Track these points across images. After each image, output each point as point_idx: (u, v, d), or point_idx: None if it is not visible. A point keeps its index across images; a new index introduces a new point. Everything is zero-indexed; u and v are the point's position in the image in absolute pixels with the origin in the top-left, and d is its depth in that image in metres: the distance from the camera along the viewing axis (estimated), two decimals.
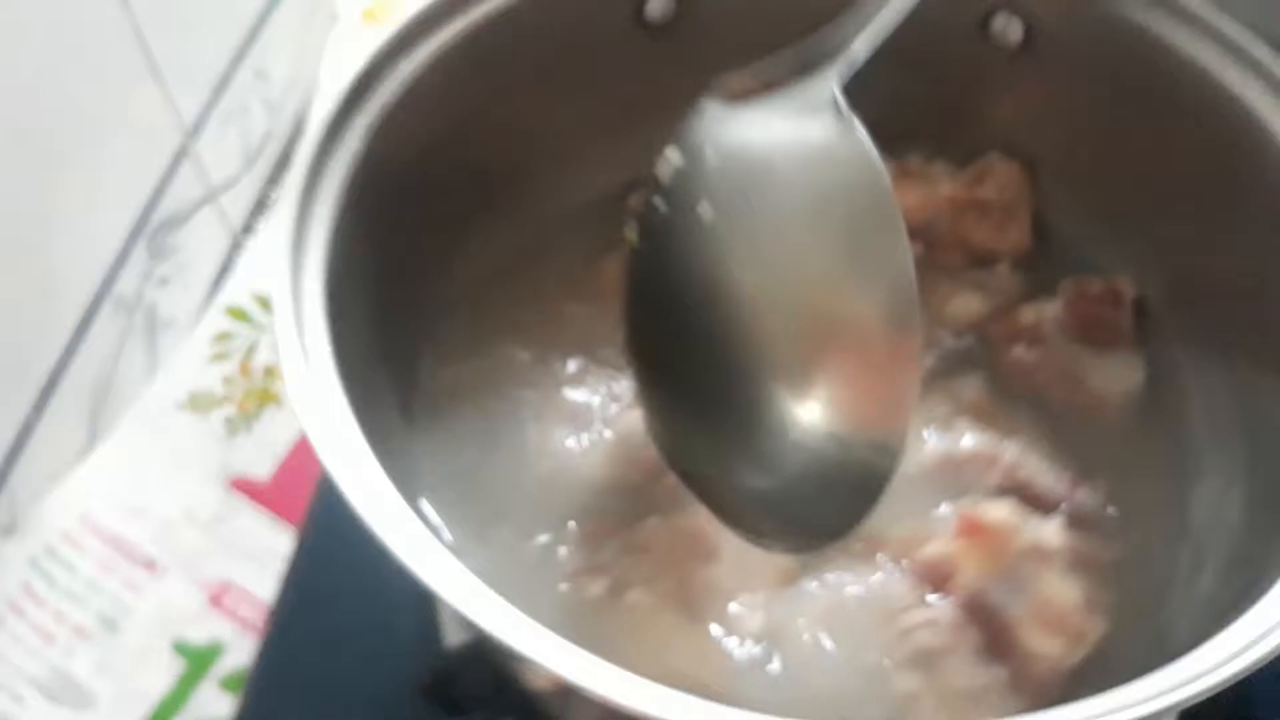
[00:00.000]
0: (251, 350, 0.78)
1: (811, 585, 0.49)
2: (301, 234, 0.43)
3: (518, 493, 0.51)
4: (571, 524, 0.50)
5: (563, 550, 0.49)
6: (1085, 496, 0.51)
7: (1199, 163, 0.52)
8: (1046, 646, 0.46)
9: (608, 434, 0.52)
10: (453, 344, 0.54)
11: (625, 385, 0.53)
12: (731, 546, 0.48)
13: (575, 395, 0.53)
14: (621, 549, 0.49)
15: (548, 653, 0.34)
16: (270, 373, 0.77)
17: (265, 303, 0.79)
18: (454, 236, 0.53)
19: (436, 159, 0.50)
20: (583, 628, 0.45)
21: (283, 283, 0.41)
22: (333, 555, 0.60)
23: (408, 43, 0.49)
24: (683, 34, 0.55)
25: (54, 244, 0.69)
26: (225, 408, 0.76)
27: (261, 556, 0.73)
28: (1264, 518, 0.47)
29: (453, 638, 0.54)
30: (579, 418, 0.53)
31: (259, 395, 0.77)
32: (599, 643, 0.44)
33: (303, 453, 0.76)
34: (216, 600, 0.71)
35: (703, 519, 0.48)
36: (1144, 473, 0.52)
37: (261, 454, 0.76)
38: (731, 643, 0.48)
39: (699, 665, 0.47)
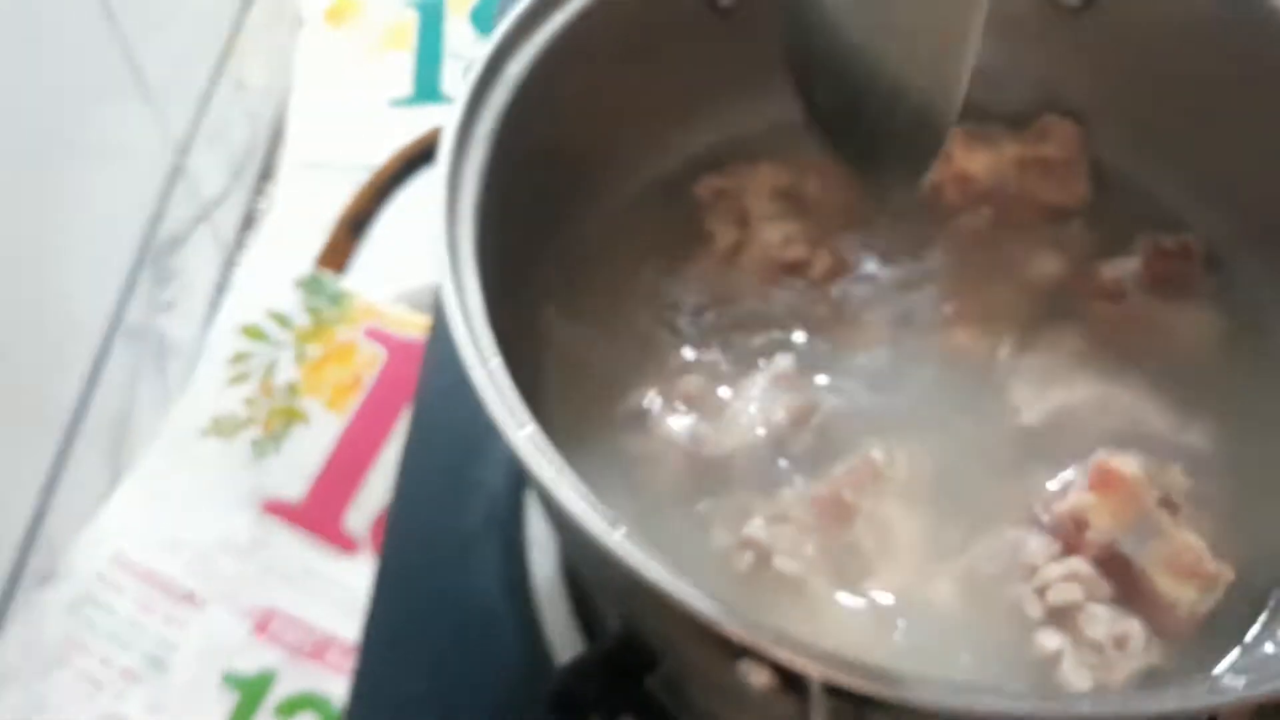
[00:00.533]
0: (271, 369, 0.76)
1: (950, 545, 0.49)
2: (452, 229, 0.44)
3: (646, 472, 0.51)
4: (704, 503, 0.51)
5: (703, 528, 0.50)
6: (1196, 439, 0.52)
7: (1261, 103, 0.53)
8: (1180, 593, 0.47)
9: (729, 409, 0.52)
10: (571, 314, 0.55)
11: (739, 354, 0.55)
12: (866, 510, 0.49)
13: (692, 376, 0.53)
14: (765, 522, 0.49)
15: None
16: (294, 390, 0.75)
17: (282, 319, 0.77)
18: (567, 201, 0.55)
19: (543, 151, 0.52)
20: (737, 601, 0.46)
21: (444, 265, 0.43)
22: (415, 581, 0.59)
23: (511, 46, 0.50)
24: (749, 15, 0.57)
25: (62, 279, 0.66)
26: (250, 430, 0.74)
27: (302, 579, 0.71)
28: None
29: (563, 653, 0.54)
30: (698, 397, 0.53)
31: (284, 414, 0.75)
32: (756, 616, 0.45)
33: (336, 469, 0.75)
34: (262, 628, 0.69)
35: (836, 485, 0.50)
36: (1244, 415, 0.53)
37: (292, 475, 0.74)
38: (881, 606, 0.48)
39: (852, 630, 0.47)
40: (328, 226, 0.82)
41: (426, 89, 0.93)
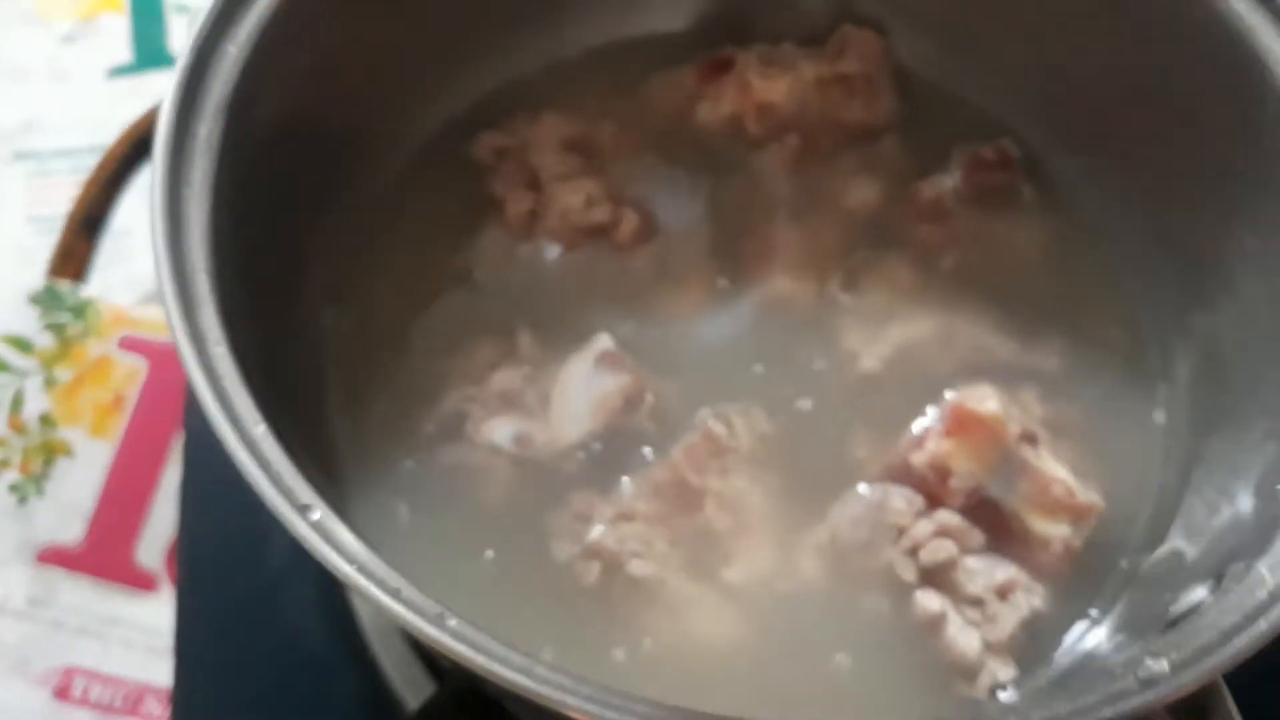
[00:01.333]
0: (18, 401, 0.68)
1: (809, 513, 0.47)
2: (175, 227, 0.39)
3: (471, 486, 0.46)
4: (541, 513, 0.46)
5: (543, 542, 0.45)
6: (1044, 360, 0.50)
7: None
8: (1053, 530, 0.45)
9: (553, 402, 0.48)
10: (354, 314, 0.50)
11: (553, 337, 0.50)
12: (714, 489, 0.46)
13: (505, 370, 0.48)
14: (609, 524, 0.45)
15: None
16: (49, 421, 0.67)
17: (20, 343, 0.69)
18: (325, 187, 0.50)
19: (290, 125, 0.46)
20: (592, 620, 0.44)
21: (166, 275, 0.37)
22: (222, 628, 0.53)
23: (231, 9, 0.43)
24: None
25: None
26: (6, 474, 0.67)
27: (99, 629, 0.65)
28: (1223, 352, 0.47)
29: (410, 694, 0.48)
30: (516, 393, 0.48)
31: (43, 450, 0.67)
32: (615, 630, 0.43)
33: (114, 502, 0.68)
34: (63, 692, 0.63)
35: (677, 468, 0.46)
36: (1084, 324, 0.51)
37: (65, 516, 0.67)
38: (746, 593, 0.45)
39: (720, 623, 0.44)
40: (58, 227, 0.73)
41: (149, 53, 0.84)
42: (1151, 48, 0.49)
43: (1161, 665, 0.32)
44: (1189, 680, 0.31)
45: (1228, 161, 0.47)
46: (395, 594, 0.32)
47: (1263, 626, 0.33)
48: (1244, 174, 0.46)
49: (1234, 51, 0.45)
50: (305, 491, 0.34)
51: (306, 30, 0.46)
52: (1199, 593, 0.37)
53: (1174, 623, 0.35)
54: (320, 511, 0.33)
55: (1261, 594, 0.34)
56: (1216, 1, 0.45)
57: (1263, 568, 0.34)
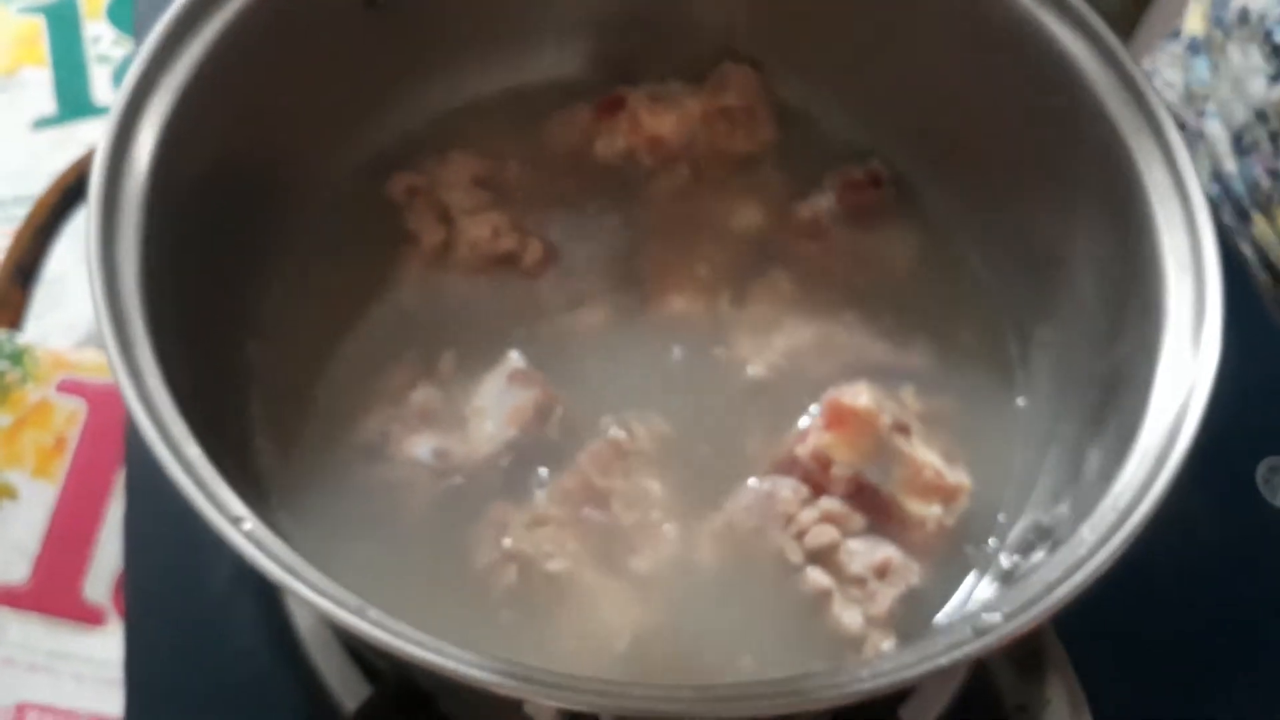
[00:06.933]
0: None
1: (707, 506, 0.51)
2: (110, 275, 0.42)
3: (395, 501, 0.50)
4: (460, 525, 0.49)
5: (463, 551, 0.49)
6: (915, 359, 0.54)
7: (917, 32, 0.56)
8: (926, 511, 0.49)
9: (469, 419, 0.52)
10: (277, 344, 0.53)
11: (467, 358, 0.53)
12: (619, 490, 0.50)
13: (422, 390, 0.52)
14: (524, 529, 0.49)
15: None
16: None
17: None
18: (247, 229, 0.52)
19: (215, 171, 0.49)
20: (511, 618, 0.47)
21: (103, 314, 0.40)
22: (170, 654, 0.55)
23: (161, 62, 0.47)
24: (409, 9, 0.55)
25: None
26: None
27: (49, 664, 0.66)
28: (1068, 341, 0.52)
29: (349, 699, 0.52)
30: (434, 411, 0.51)
31: None
32: (532, 625, 0.46)
33: (59, 540, 0.69)
34: None
35: (583, 473, 0.50)
36: (952, 323, 0.56)
37: (10, 556, 0.68)
38: (652, 581, 0.49)
39: (630, 609, 0.48)
40: None
41: (73, 103, 0.86)
42: (994, 76, 0.54)
43: (995, 617, 0.36)
44: (1015, 628, 0.36)
45: (1059, 173, 0.52)
46: (321, 591, 0.35)
47: (1079, 578, 0.37)
48: (1073, 183, 0.51)
49: (1061, 76, 0.50)
50: (237, 505, 0.37)
51: (225, 89, 0.49)
52: (1039, 555, 0.42)
53: (1018, 582, 0.39)
54: (251, 523, 0.37)
55: (1081, 551, 0.38)
56: (1048, 33, 0.51)
57: (1085, 529, 0.39)
